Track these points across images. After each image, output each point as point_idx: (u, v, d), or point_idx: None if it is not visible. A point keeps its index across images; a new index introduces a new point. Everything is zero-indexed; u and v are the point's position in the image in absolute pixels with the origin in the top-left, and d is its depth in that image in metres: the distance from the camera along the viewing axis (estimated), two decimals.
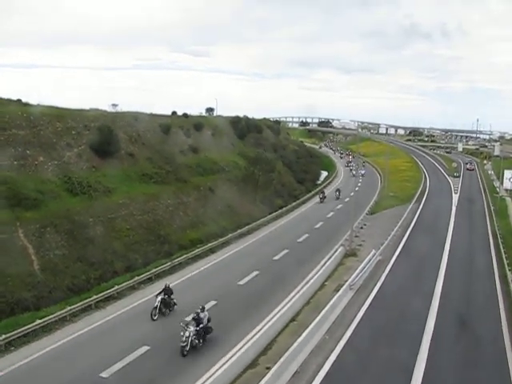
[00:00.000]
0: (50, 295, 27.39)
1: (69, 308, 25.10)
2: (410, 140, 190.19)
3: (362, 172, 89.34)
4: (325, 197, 62.79)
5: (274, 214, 53.05)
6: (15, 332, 22.23)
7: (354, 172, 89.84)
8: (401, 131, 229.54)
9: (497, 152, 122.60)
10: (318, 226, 48.67)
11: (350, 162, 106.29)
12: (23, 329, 22.61)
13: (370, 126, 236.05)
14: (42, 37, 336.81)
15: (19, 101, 42.42)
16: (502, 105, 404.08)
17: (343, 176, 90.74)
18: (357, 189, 67.24)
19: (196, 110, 76.61)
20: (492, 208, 60.82)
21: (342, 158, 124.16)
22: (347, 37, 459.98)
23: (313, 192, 69.84)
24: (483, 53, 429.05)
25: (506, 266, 34.90)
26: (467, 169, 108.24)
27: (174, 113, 64.38)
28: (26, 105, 41.53)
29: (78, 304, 25.77)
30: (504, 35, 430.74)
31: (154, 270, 31.73)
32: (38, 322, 23.35)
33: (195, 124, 62.44)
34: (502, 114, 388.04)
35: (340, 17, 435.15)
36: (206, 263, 35.22)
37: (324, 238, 43.52)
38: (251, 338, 22.35)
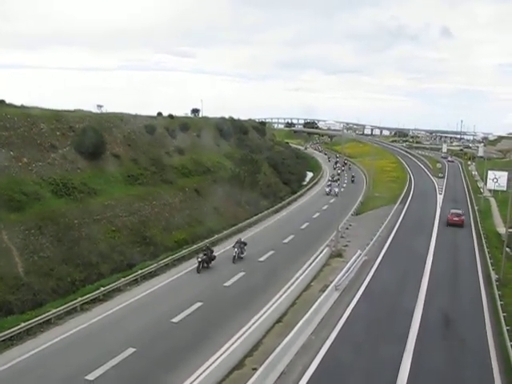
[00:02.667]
0: (35, 298, 27.15)
1: (54, 310, 24.87)
2: (395, 141, 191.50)
3: (336, 190, 65.80)
4: (211, 258, 33.87)
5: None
6: None
7: (328, 189, 70.20)
8: (386, 132, 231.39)
9: (481, 153, 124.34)
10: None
11: (338, 175, 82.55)
12: (7, 332, 22.32)
13: (356, 126, 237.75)
14: (26, 38, 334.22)
15: (3, 102, 42.14)
16: (486, 106, 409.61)
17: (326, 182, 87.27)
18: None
19: (182, 111, 76.46)
20: (476, 208, 61.45)
21: (335, 168, 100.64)
22: (334, 38, 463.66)
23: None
24: (468, 55, 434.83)
25: (490, 265, 35.30)
26: (448, 161, 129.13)
27: (159, 114, 64.22)
28: (10, 106, 41.25)
29: (63, 306, 25.51)
30: (489, 38, 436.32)
31: (140, 271, 31.55)
32: (23, 325, 23.09)
33: (181, 125, 62.28)
34: (486, 115, 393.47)
35: (327, 19, 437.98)
36: (192, 264, 35.09)
37: None
38: (237, 338, 22.35)
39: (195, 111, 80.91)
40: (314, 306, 25.10)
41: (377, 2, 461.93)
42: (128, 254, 35.04)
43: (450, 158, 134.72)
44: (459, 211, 53.11)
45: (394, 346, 22.24)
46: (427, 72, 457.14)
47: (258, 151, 78.97)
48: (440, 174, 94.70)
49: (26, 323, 23.30)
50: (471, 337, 24.12)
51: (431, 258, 37.52)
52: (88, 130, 42.86)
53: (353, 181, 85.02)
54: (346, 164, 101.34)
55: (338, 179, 76.71)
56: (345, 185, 76.85)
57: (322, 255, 36.32)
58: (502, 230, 48.93)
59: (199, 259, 33.25)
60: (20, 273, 28.35)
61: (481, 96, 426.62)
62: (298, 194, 69.50)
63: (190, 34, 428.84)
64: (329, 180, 79.77)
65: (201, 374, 19.21)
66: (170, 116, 64.30)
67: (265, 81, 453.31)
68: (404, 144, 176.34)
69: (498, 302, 27.62)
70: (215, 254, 34.82)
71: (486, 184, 71.79)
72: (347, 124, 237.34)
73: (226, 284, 30.93)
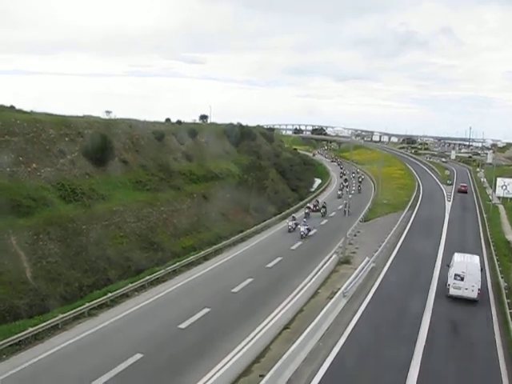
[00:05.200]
0: (43, 303, 27.25)
1: (61, 316, 24.90)
2: (403, 148, 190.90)
3: (303, 229, 45.54)
4: None
5: None
6: (6, 340, 21.98)
7: (291, 224, 48.04)
8: (394, 139, 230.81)
9: (489, 160, 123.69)
10: None
11: (325, 203, 59.36)
12: (15, 337, 22.38)
13: (364, 133, 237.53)
14: (35, 44, 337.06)
15: (12, 107, 42.47)
16: (495, 113, 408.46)
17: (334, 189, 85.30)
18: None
19: (190, 117, 76.85)
20: (485, 215, 61.03)
21: (340, 189, 77.20)
22: (342, 45, 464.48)
23: None
24: (477, 62, 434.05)
25: (499, 272, 34.98)
26: (442, 161, 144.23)
27: (167, 120, 64.59)
28: (20, 111, 41.56)
29: (71, 312, 25.56)
30: (497, 45, 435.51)
31: (148, 277, 31.54)
32: (30, 329, 23.13)
33: (189, 131, 62.53)
34: (495, 122, 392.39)
35: (335, 25, 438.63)
36: (200, 270, 35.10)
37: None
38: (245, 345, 22.25)
39: (203, 117, 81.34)
40: (321, 313, 24.97)
41: (386, 9, 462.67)
42: (136, 260, 35.12)
43: (444, 159, 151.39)
44: (465, 184, 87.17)
45: (402, 355, 22.06)
46: (436, 79, 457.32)
47: (265, 157, 79.15)
48: (448, 181, 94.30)
49: (34, 328, 23.34)
50: (480, 346, 23.87)
51: (439, 265, 37.23)
52: (96, 135, 43.08)
53: (347, 212, 45.39)
54: (360, 182, 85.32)
55: (324, 207, 57.53)
56: (333, 214, 58.19)
57: (329, 262, 36.20)
58: (511, 237, 48.62)
59: None
60: (28, 278, 28.45)
61: (490, 103, 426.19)
62: (305, 200, 69.35)
63: (199, 39, 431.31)
64: (307, 207, 57.29)
65: (207, 380, 19.14)
66: (179, 122, 64.62)
67: (273, 87, 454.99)
68: (408, 151, 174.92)
69: (508, 311, 27.37)
70: None
71: (494, 191, 71.34)
72: (355, 130, 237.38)
73: None
